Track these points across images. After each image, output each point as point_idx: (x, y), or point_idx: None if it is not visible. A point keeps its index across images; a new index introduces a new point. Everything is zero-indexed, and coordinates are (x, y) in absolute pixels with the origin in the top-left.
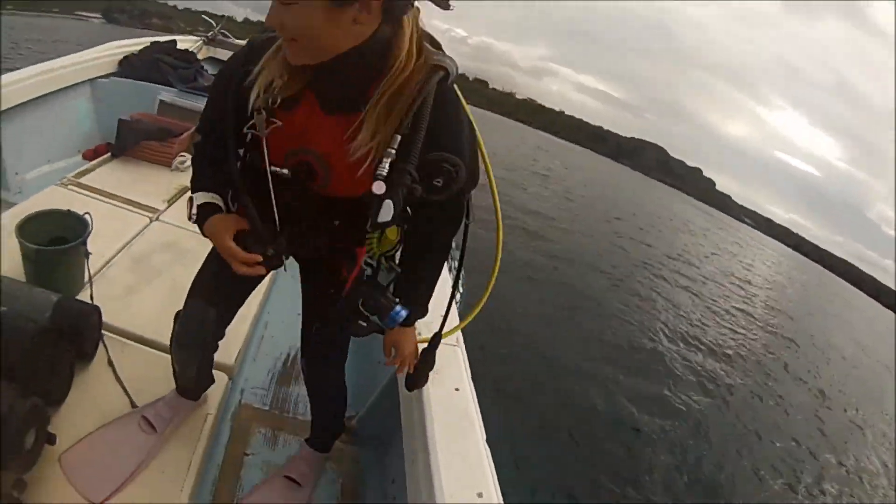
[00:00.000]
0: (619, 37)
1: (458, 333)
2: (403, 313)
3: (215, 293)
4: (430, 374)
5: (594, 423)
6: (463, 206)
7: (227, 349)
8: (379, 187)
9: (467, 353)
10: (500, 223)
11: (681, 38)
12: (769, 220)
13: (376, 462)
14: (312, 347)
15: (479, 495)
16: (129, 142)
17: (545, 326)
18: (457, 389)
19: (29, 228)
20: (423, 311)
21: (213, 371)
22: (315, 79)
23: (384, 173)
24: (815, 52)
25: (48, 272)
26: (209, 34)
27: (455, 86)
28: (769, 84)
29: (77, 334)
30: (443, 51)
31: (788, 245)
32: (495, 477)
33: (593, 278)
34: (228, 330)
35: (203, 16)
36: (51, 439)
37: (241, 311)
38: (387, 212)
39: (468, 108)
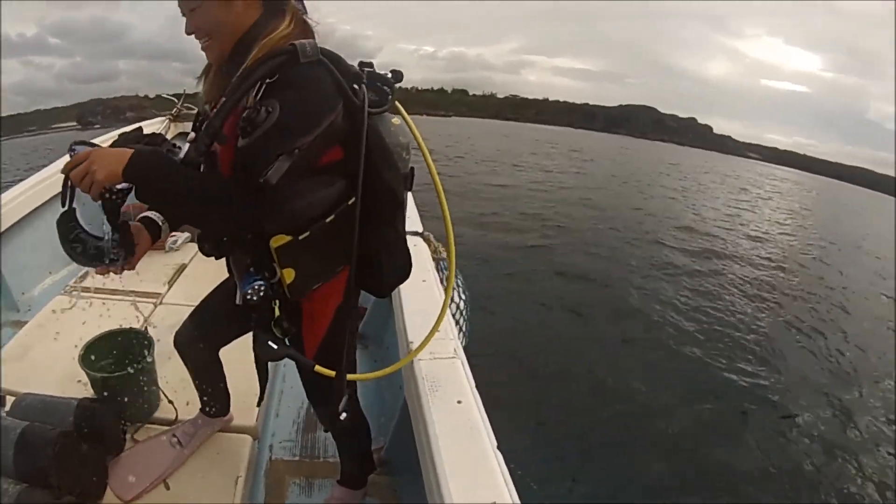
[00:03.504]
0: (582, 10)
1: (458, 345)
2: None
3: (200, 315)
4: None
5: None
6: (259, 158)
7: (247, 411)
8: (190, 136)
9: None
10: (451, 234)
11: None
12: (774, 149)
13: (411, 486)
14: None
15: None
16: None
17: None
18: (459, 402)
19: (92, 352)
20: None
21: (237, 435)
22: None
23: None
24: None
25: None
26: (173, 112)
27: (320, 69)
28: (738, 15)
29: (100, 431)
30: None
31: (799, 168)
32: (510, 482)
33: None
34: (243, 392)
35: (162, 96)
36: None
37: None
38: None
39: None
